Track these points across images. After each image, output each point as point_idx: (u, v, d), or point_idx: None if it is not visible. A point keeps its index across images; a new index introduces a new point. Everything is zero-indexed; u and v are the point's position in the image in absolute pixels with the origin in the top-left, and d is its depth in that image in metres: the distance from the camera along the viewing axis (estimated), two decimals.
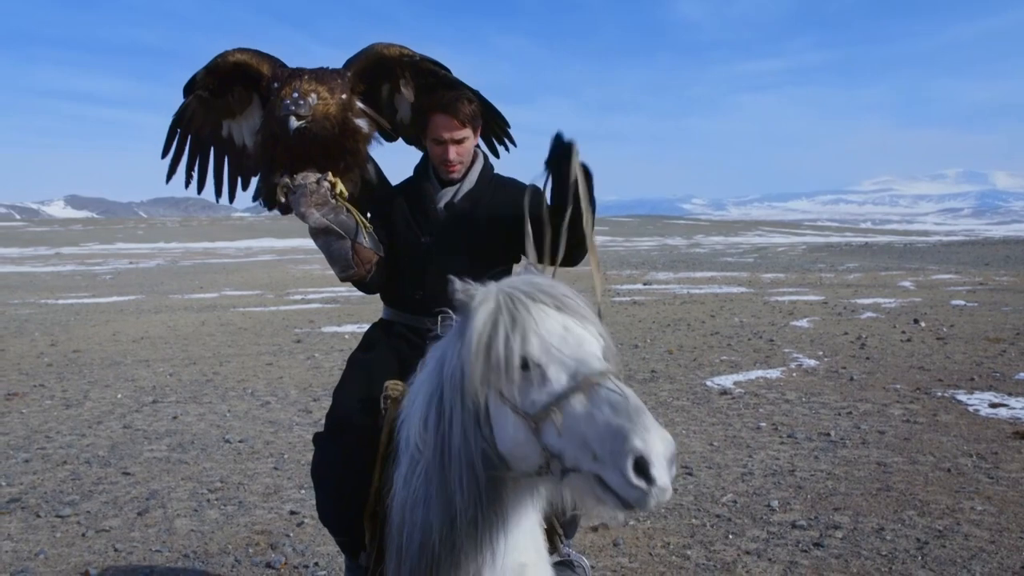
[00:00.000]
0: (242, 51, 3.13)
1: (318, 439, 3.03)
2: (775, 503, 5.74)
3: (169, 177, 3.38)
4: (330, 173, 3.06)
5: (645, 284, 25.92)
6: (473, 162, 3.14)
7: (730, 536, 5.21)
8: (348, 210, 3.04)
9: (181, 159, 3.39)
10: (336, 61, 3.14)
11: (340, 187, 3.08)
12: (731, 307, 18.54)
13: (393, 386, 2.76)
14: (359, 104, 3.14)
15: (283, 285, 27.41)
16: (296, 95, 2.90)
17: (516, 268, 2.30)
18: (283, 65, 3.12)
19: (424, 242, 3.06)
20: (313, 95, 2.92)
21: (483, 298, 2.02)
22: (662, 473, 1.72)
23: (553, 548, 2.77)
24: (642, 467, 1.71)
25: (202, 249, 66.03)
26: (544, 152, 2.68)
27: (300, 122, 2.89)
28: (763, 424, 8.00)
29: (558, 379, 1.88)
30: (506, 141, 3.45)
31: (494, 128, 3.40)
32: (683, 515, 5.60)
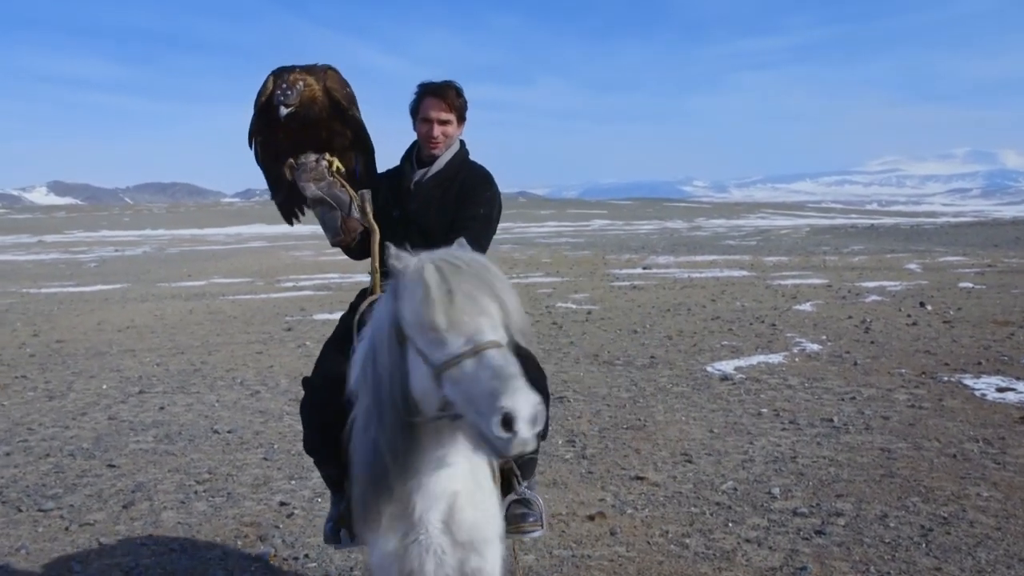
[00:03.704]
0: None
1: (306, 382, 3.53)
2: (776, 490, 5.75)
3: None
4: (327, 153, 3.58)
5: (644, 268, 25.92)
6: (449, 148, 3.63)
7: (730, 524, 5.22)
8: (343, 185, 3.52)
9: None
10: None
11: (337, 164, 3.59)
12: (733, 291, 18.55)
13: None
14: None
15: (274, 272, 27.38)
16: (285, 86, 3.39)
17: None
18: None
19: (395, 215, 3.57)
20: (300, 83, 3.41)
21: (411, 266, 2.49)
22: (524, 428, 2.15)
23: (509, 487, 3.33)
24: (508, 422, 2.15)
25: (190, 236, 65.90)
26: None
27: (288, 108, 3.38)
28: (764, 410, 8.01)
29: (455, 343, 2.33)
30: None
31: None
32: (682, 503, 5.61)
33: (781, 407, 8.12)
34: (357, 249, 3.65)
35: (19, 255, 42.04)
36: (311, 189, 3.47)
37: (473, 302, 2.37)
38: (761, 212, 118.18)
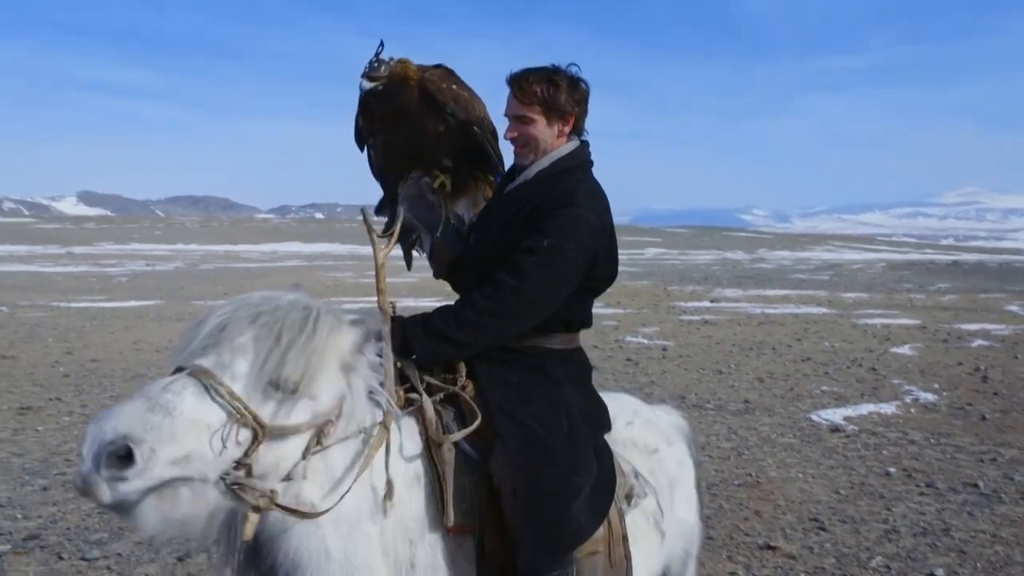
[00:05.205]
0: None
1: None
2: (940, 572, 5.15)
3: None
4: (436, 169, 3.09)
5: (712, 302, 25.27)
6: (545, 154, 2.90)
7: None
8: (442, 206, 3.08)
9: None
10: (368, 50, 2.97)
11: (442, 180, 3.08)
12: (816, 330, 17.89)
13: None
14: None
15: (315, 294, 26.99)
16: (372, 58, 2.84)
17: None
18: None
19: (471, 241, 3.03)
20: (394, 59, 2.88)
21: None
22: (84, 448, 1.92)
23: None
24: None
25: (223, 252, 66.45)
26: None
27: (372, 84, 2.83)
28: (892, 469, 7.40)
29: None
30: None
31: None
32: None
33: (910, 466, 7.50)
34: (454, 281, 3.10)
35: (47, 266, 42.53)
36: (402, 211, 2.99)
37: (216, 331, 2.16)
38: (828, 244, 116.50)
